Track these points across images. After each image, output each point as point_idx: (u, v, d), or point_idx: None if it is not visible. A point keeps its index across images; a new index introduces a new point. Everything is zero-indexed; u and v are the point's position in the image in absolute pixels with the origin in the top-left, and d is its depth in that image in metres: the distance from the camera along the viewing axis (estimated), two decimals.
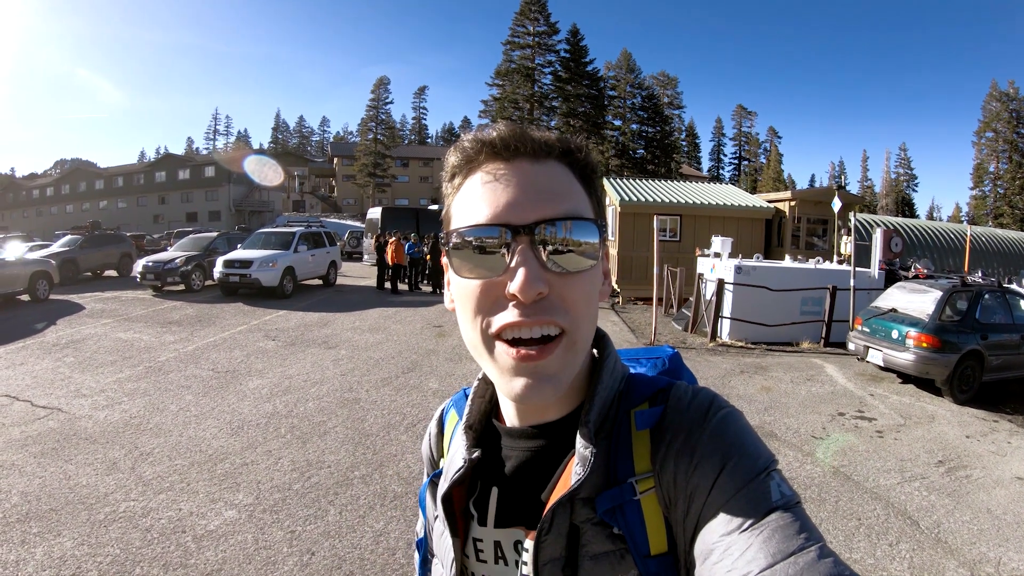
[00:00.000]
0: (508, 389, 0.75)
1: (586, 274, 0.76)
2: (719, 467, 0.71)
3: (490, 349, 0.75)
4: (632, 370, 0.94)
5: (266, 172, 70.28)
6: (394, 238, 20.34)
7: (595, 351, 0.89)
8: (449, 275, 0.82)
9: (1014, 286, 12.56)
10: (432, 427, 1.07)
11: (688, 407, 0.79)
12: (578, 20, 70.46)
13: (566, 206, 0.75)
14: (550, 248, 0.73)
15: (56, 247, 20.80)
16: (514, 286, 0.70)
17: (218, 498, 5.05)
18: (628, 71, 71.72)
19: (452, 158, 0.82)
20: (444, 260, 0.82)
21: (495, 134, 0.77)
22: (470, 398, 0.95)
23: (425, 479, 1.05)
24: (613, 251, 18.42)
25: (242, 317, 14.07)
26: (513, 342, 0.73)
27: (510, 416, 0.88)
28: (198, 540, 4.38)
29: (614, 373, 0.85)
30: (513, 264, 0.71)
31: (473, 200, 0.77)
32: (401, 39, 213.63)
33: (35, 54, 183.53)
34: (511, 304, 0.73)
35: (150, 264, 17.86)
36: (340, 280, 22.30)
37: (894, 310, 9.85)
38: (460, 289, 0.77)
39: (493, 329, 0.74)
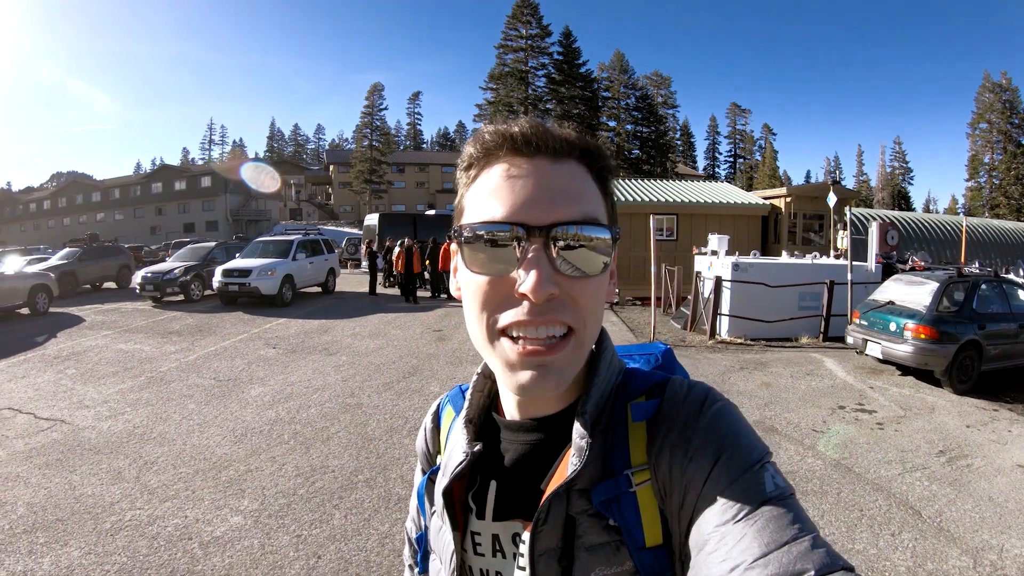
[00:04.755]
0: (512, 382, 0.75)
1: (595, 278, 0.75)
2: (714, 459, 0.72)
3: (493, 343, 0.76)
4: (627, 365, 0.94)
5: (262, 179, 70.39)
6: (400, 247, 19.82)
7: (593, 346, 0.87)
8: (457, 263, 0.82)
9: (1011, 276, 12.60)
10: (428, 422, 1.08)
11: (684, 400, 0.79)
12: (570, 22, 71.30)
13: (582, 209, 0.75)
14: (562, 244, 0.72)
15: (55, 260, 20.84)
16: (526, 286, 0.71)
17: (223, 505, 5.07)
18: (621, 72, 71.86)
19: (470, 148, 0.81)
20: (453, 247, 0.81)
21: (517, 129, 0.76)
22: (469, 392, 0.95)
23: (420, 475, 1.06)
24: None
25: (242, 326, 14.09)
26: (518, 338, 0.74)
27: (510, 410, 0.88)
28: (205, 547, 4.40)
29: (611, 367, 0.86)
30: (525, 265, 0.71)
31: (489, 194, 0.76)
32: (394, 45, 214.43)
33: (29, 67, 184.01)
34: (521, 302, 0.73)
35: (149, 275, 17.89)
36: (339, 287, 22.31)
37: (892, 303, 9.87)
38: (469, 282, 0.77)
39: (500, 325, 0.74)
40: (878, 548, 4.57)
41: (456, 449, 0.90)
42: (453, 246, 0.81)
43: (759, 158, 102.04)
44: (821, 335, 12.81)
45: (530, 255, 0.71)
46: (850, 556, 4.43)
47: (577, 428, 0.78)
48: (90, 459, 6.05)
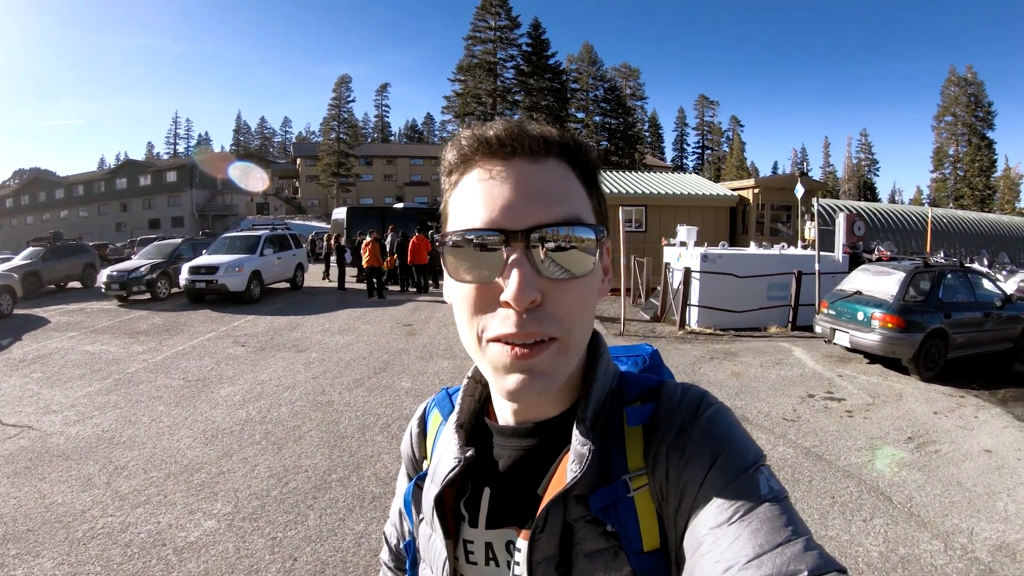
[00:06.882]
0: (501, 386, 0.74)
1: (582, 279, 0.74)
2: (709, 462, 0.71)
3: (483, 349, 0.75)
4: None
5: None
6: (370, 239, 19.13)
7: (584, 349, 0.85)
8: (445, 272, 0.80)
9: (975, 265, 12.86)
10: (414, 427, 1.06)
11: (679, 404, 0.79)
12: (539, 13, 70.90)
13: (563, 209, 0.73)
14: (548, 246, 0.71)
15: (18, 260, 20.32)
16: (507, 294, 0.69)
17: (196, 509, 5.00)
18: (590, 63, 72.17)
19: (449, 155, 0.79)
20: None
21: (492, 132, 0.75)
22: (460, 397, 0.94)
23: (406, 480, 1.04)
24: None
25: (210, 324, 13.90)
26: (507, 342, 0.73)
27: (504, 415, 0.87)
28: (179, 552, 4.34)
29: (608, 372, 0.85)
30: (507, 271, 0.70)
31: (468, 200, 0.75)
32: (362, 37, 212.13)
33: None
34: (505, 310, 0.72)
35: (114, 274, 17.50)
36: (307, 282, 22.12)
37: (859, 292, 10.02)
38: (456, 290, 0.76)
39: (488, 335, 0.73)
40: (851, 534, 4.65)
41: (446, 455, 0.88)
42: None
43: (727, 150, 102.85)
44: (789, 325, 12.99)
45: (511, 261, 0.70)
46: (824, 543, 4.47)
47: (577, 435, 0.77)
48: (59, 466, 5.94)
